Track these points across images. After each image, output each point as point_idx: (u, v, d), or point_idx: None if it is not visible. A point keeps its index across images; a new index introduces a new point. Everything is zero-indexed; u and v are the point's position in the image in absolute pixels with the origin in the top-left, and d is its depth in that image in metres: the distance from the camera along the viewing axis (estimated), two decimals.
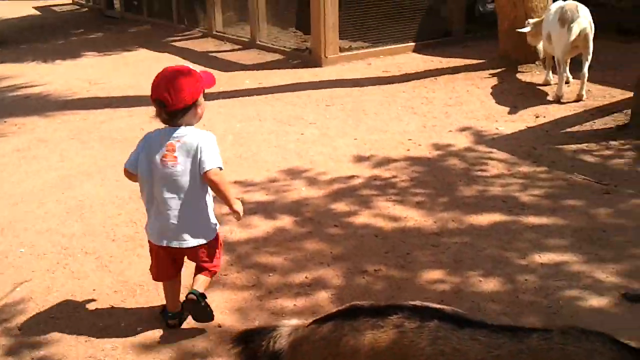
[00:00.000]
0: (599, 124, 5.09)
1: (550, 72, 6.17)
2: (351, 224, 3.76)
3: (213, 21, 10.56)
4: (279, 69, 7.98)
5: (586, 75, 5.58)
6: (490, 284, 3.01)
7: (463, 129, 5.25)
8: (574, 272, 3.05)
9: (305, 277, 3.21)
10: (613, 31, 7.68)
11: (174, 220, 2.72)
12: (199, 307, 2.72)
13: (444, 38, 8.71)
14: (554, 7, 5.82)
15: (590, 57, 5.57)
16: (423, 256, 3.32)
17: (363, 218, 3.81)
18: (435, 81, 6.73)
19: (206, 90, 2.75)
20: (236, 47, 9.69)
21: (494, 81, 6.48)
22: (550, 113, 5.44)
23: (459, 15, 8.75)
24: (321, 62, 7.93)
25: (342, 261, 3.34)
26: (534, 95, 5.94)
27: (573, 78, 5.93)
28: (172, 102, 2.62)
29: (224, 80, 7.55)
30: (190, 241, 2.76)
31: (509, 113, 5.53)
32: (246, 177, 4.57)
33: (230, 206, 2.77)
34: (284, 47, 8.91)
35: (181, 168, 2.69)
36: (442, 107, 5.84)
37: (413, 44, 8.50)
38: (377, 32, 8.43)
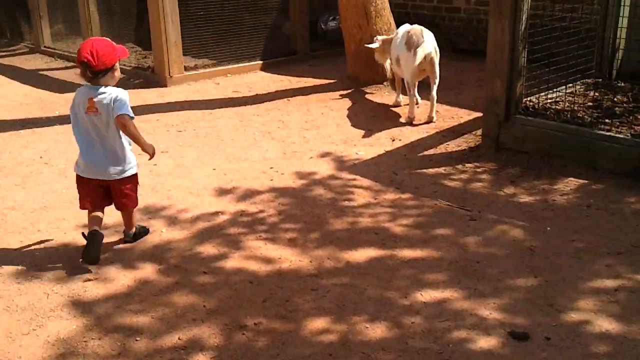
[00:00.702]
0: (452, 146, 5.24)
1: (400, 94, 6.30)
2: (222, 269, 3.48)
3: (40, 35, 9.70)
4: (139, 87, 7.47)
5: (435, 97, 5.75)
6: (377, 330, 2.90)
7: (323, 155, 5.17)
8: (457, 310, 3.03)
9: (179, 339, 2.90)
10: (449, 51, 8.07)
11: (98, 158, 3.46)
12: (136, 239, 3.76)
13: (290, 56, 8.66)
14: (400, 30, 5.95)
15: (437, 80, 5.74)
16: (304, 302, 3.14)
17: (234, 262, 3.56)
18: (288, 103, 6.61)
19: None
20: (69, 64, 8.96)
21: (346, 103, 6.50)
22: (405, 136, 5.52)
23: (303, 33, 8.74)
24: (166, 82, 7.53)
25: (218, 315, 3.06)
26: (386, 118, 6.02)
27: (422, 99, 6.08)
28: (95, 64, 3.32)
29: (58, 104, 6.91)
30: (113, 175, 3.49)
31: (366, 136, 5.54)
32: None
33: (141, 146, 3.55)
34: (124, 65, 8.34)
35: (101, 117, 3.40)
36: (300, 131, 5.72)
37: (260, 62, 8.36)
38: (222, 49, 8.18)
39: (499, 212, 4.06)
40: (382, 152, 5.18)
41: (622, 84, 5.85)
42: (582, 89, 5.67)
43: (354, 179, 4.67)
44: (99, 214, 3.59)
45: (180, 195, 4.46)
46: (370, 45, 6.27)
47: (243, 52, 8.28)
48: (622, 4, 5.62)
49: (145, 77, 7.84)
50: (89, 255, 3.40)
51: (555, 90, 5.39)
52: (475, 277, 3.32)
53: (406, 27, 5.98)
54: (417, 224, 3.95)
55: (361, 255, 3.58)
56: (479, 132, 5.47)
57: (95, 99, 3.38)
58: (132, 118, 3.47)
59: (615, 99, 5.37)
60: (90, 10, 8.58)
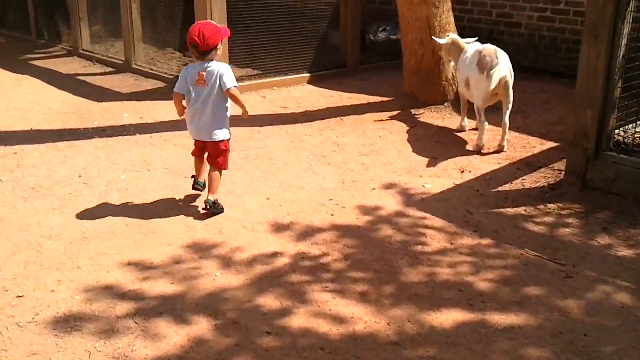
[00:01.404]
0: (529, 181, 4.74)
1: (466, 117, 5.81)
2: (287, 329, 3.03)
3: (80, 37, 9.36)
4: (161, 99, 7.07)
5: (507, 124, 5.25)
6: None
7: (387, 186, 4.70)
8: None
9: None
10: None
11: (204, 122, 4.15)
12: (212, 211, 4.17)
13: (339, 69, 8.21)
14: (470, 49, 5.46)
15: (511, 106, 5.25)
16: None
17: (301, 319, 3.10)
18: (342, 123, 6.15)
19: None
20: (108, 69, 8.61)
21: (405, 125, 6.02)
22: (474, 166, 5.03)
23: (353, 45, 8.28)
24: None
25: None
26: (451, 144, 5.53)
27: (490, 124, 5.58)
28: (202, 45, 3.96)
29: (98, 113, 6.54)
30: (214, 137, 4.18)
31: (431, 166, 5.06)
32: (142, 256, 3.70)
33: (243, 108, 4.25)
34: (165, 72, 7.97)
35: (209, 88, 4.06)
36: (357, 157, 5.26)
37: (308, 75, 7.92)
38: (270, 60, 7.76)
39: (597, 269, 3.55)
40: (452, 186, 4.69)
41: None
42: None
43: (425, 218, 4.19)
44: (202, 164, 4.42)
45: (234, 230, 4.02)
46: (439, 40, 5.78)
47: (291, 64, 7.84)
48: None
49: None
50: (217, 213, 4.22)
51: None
52: (588, 355, 2.82)
53: (476, 45, 5.49)
54: (505, 279, 3.46)
55: (447, 318, 3.10)
56: (557, 165, 4.98)
57: (204, 73, 4.05)
58: (237, 87, 4.14)
59: None
60: (132, 14, 8.21)
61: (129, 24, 8.25)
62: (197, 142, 4.31)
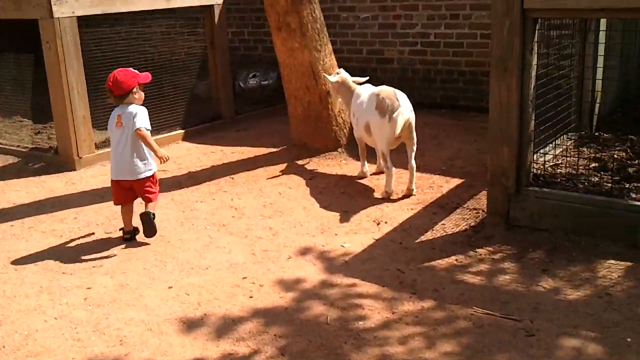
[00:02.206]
0: (450, 225, 4.44)
1: (366, 162, 5.47)
2: None
3: None
4: (16, 177, 6.15)
5: (414, 167, 4.96)
6: None
7: (303, 252, 4.20)
8: None
9: None
10: None
11: (123, 162, 4.33)
12: (149, 219, 4.38)
13: (214, 122, 7.65)
14: (364, 91, 5.15)
15: (415, 147, 4.97)
16: None
17: None
18: (234, 182, 5.59)
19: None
20: None
21: (303, 177, 5.58)
22: (388, 216, 4.67)
23: (226, 95, 7.78)
24: (74, 165, 6.30)
25: None
26: (357, 193, 5.15)
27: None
28: (114, 90, 4.27)
29: None
30: (138, 175, 4.35)
31: (344, 221, 4.64)
32: None
33: (155, 152, 4.34)
34: (17, 145, 7.00)
35: (125, 130, 4.27)
36: (261, 221, 4.73)
37: (182, 131, 7.30)
38: None
39: (555, 320, 3.26)
40: (372, 242, 4.29)
41: (606, 135, 5.36)
42: (571, 145, 5.10)
43: (355, 285, 3.74)
44: (128, 207, 4.53)
45: (137, 336, 3.32)
46: (329, 78, 5.42)
47: (161, 121, 7.17)
48: (598, 54, 5.15)
49: (47, 159, 6.54)
50: (148, 232, 4.43)
51: (545, 147, 4.76)
52: None
53: (369, 87, 5.19)
54: (466, 348, 3.06)
55: None
56: (470, 204, 4.76)
57: (121, 114, 4.29)
58: (149, 130, 4.32)
59: (616, 155, 4.82)
60: None
61: None
62: (119, 185, 4.42)
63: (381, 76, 8.17)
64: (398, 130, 4.69)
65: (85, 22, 6.59)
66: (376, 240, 4.31)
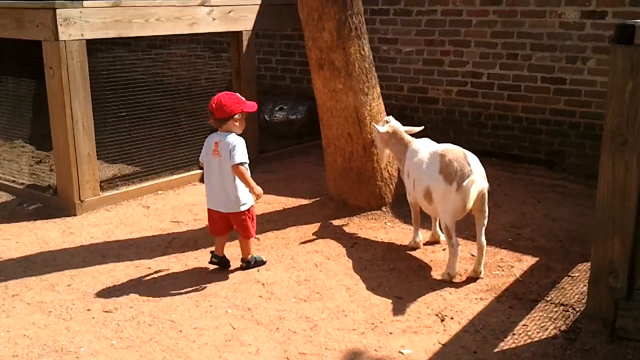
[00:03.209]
0: (534, 328, 3.54)
1: (420, 231, 4.59)
2: None
3: None
4: (7, 221, 5.35)
5: (484, 246, 4.06)
6: None
7: (351, 357, 3.30)
8: None
9: None
10: None
11: (217, 194, 4.15)
12: (249, 266, 4.31)
13: None
14: (423, 148, 4.28)
15: (486, 222, 4.08)
16: None
17: None
18: (260, 245, 4.72)
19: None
20: None
21: (342, 243, 4.69)
22: (454, 308, 3.77)
23: (252, 132, 6.92)
24: (75, 209, 5.46)
25: None
26: (410, 270, 4.26)
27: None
28: (216, 112, 4.06)
29: None
30: (231, 208, 4.15)
31: (398, 312, 3.74)
32: None
33: (251, 189, 4.14)
34: (13, 179, 6.16)
35: (222, 159, 4.07)
36: (296, 305, 3.84)
37: (200, 171, 6.43)
38: (149, 157, 6.21)
39: None
40: (439, 348, 3.39)
41: None
42: None
43: None
44: (221, 238, 4.30)
45: None
46: (379, 128, 4.57)
47: (177, 160, 6.34)
48: None
49: (45, 200, 5.70)
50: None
51: None
52: None
53: (429, 143, 4.33)
54: None
55: None
56: (554, 296, 3.85)
57: (219, 142, 4.06)
58: (245, 163, 4.08)
59: None
60: None
61: None
62: (212, 214, 4.22)
63: (424, 117, 7.32)
64: (470, 204, 3.80)
65: (95, 46, 5.81)
66: (443, 345, 3.41)
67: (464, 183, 3.83)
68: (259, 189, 4.12)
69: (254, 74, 6.94)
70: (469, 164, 3.91)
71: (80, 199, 5.48)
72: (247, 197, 4.16)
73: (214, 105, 4.04)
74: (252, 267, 4.29)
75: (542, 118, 6.61)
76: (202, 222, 5.22)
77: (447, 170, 3.93)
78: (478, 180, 3.84)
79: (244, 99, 4.14)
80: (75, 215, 5.43)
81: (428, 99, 7.31)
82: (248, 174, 4.07)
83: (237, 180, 4.09)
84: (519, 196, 5.71)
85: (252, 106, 4.16)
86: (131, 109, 6.03)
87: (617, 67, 3.06)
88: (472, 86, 7.00)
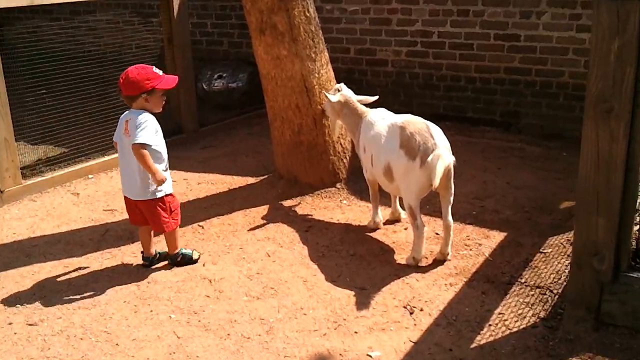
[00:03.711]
0: (511, 316, 3.24)
1: (379, 210, 4.22)
2: None
3: None
4: None
5: (451, 225, 3.72)
6: None
7: None
8: None
9: None
10: None
11: (129, 177, 3.64)
12: (177, 263, 3.81)
13: (174, 137, 6.25)
14: (379, 120, 3.88)
15: (452, 199, 3.73)
16: None
17: None
18: (204, 233, 4.27)
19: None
20: None
21: (295, 227, 4.29)
22: (422, 297, 3.43)
23: (189, 105, 6.38)
24: None
25: None
26: (372, 255, 3.89)
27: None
28: (123, 90, 3.55)
29: None
30: (140, 195, 3.63)
31: (362, 305, 3.38)
32: None
33: (152, 175, 3.54)
34: None
35: (131, 139, 3.51)
36: (248, 304, 3.43)
37: None
38: (76, 138, 5.62)
39: None
40: (410, 347, 3.04)
41: None
42: None
43: None
44: (145, 233, 3.81)
45: None
46: (329, 97, 4.15)
47: (108, 139, 5.73)
48: None
49: None
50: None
51: None
52: None
53: (386, 114, 3.93)
54: None
55: None
56: (528, 277, 3.56)
57: (129, 121, 3.54)
58: (148, 146, 3.51)
59: None
60: None
61: None
62: (126, 202, 3.75)
63: (372, 80, 6.91)
64: (437, 181, 3.43)
65: (13, 14, 5.13)
66: (414, 343, 3.07)
67: (429, 158, 3.46)
68: (160, 175, 3.57)
69: (188, 40, 6.36)
70: (432, 136, 3.53)
71: (0, 190, 4.88)
72: (165, 183, 3.66)
73: (121, 81, 3.52)
74: (181, 265, 3.82)
75: (496, 78, 6.30)
76: None
77: (408, 145, 3.55)
78: (444, 154, 3.47)
79: (160, 72, 3.59)
80: None
81: (376, 61, 6.90)
82: (148, 157, 3.50)
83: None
84: (478, 163, 5.41)
85: (168, 82, 3.60)
86: (54, 84, 5.40)
87: (602, 24, 2.70)
88: (422, 46, 6.62)
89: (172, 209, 3.73)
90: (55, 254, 4.08)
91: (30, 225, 4.54)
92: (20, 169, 5.07)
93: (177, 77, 3.72)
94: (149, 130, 3.53)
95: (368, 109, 4.09)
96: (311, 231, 4.22)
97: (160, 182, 3.57)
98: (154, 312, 3.39)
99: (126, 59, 6.13)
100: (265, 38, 4.49)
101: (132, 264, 3.90)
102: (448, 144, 3.61)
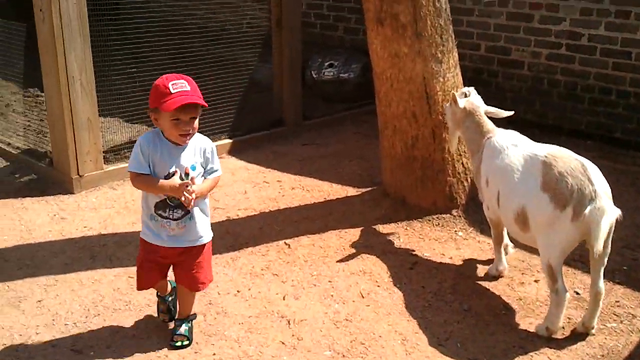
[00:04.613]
0: None
1: (503, 256, 3.41)
2: None
3: None
4: None
5: (602, 292, 2.87)
6: None
7: None
8: None
9: None
10: None
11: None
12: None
13: (273, 129, 5.67)
14: (510, 146, 3.07)
15: (606, 260, 2.87)
16: None
17: None
18: (289, 254, 3.63)
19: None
20: None
21: (397, 262, 3.56)
22: None
23: (293, 94, 5.75)
24: (72, 186, 4.47)
25: None
26: (492, 315, 3.10)
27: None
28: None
29: None
30: (185, 241, 2.77)
31: None
32: None
33: (174, 194, 2.66)
34: (8, 142, 5.19)
35: None
36: None
37: (229, 141, 5.35)
38: None
39: None
40: None
41: None
42: None
43: None
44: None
45: None
46: (459, 100, 3.34)
47: (201, 127, 5.18)
48: None
49: (40, 172, 4.73)
50: None
51: None
52: None
53: (518, 138, 3.11)
54: None
55: None
56: None
57: None
58: (139, 173, 2.67)
59: None
60: None
61: None
62: (155, 257, 2.79)
63: (504, 84, 6.01)
64: (599, 243, 2.59)
65: None
66: None
67: (586, 211, 2.62)
68: (171, 187, 2.62)
69: (299, 22, 5.71)
70: (590, 181, 2.68)
71: (78, 174, 4.48)
72: (143, 225, 2.81)
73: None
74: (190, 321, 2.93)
75: None
76: (225, 210, 4.18)
77: (556, 188, 2.72)
78: (608, 207, 2.62)
79: (178, 89, 2.59)
80: (72, 193, 4.45)
81: (510, 62, 5.98)
82: (147, 182, 2.66)
83: (146, 195, 2.75)
84: (628, 199, 4.43)
85: (173, 103, 2.56)
86: (145, 61, 4.91)
87: None
88: (567, 49, 5.63)
89: (140, 263, 2.85)
90: (122, 259, 3.59)
91: (104, 219, 4.10)
92: (103, 152, 4.64)
93: (190, 99, 2.61)
94: (136, 152, 2.69)
95: (495, 129, 3.28)
96: (417, 269, 3.47)
97: (190, 197, 2.60)
98: (216, 356, 2.79)
99: (231, 38, 5.59)
100: (384, 30, 3.75)
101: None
102: (609, 191, 2.75)
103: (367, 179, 4.66)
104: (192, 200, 2.60)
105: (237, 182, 4.70)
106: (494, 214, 3.22)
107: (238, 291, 3.28)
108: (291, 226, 3.95)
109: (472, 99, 3.39)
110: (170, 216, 2.70)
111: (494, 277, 3.39)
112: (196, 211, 2.74)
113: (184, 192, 2.59)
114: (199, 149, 2.76)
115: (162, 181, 2.64)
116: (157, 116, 2.66)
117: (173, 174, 2.65)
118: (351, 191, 4.48)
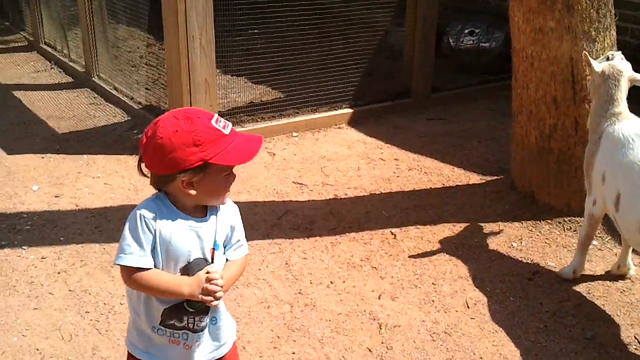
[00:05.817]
0: None
1: (630, 259, 2.89)
2: None
3: (39, 26, 6.71)
4: (104, 152, 4.42)
5: None
6: None
7: None
8: None
9: None
10: None
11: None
12: None
13: (397, 100, 5.29)
14: (635, 140, 2.56)
15: None
16: None
17: None
18: (394, 246, 3.31)
19: None
20: (65, 79, 5.98)
21: (517, 268, 3.12)
22: None
23: (425, 64, 5.30)
24: None
25: None
26: (619, 348, 2.62)
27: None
28: (146, 162, 1.68)
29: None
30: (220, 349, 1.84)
31: None
32: None
33: (188, 295, 1.67)
34: (132, 96, 5.23)
35: None
36: None
37: (349, 110, 5.05)
38: (287, 86, 4.93)
39: None
40: None
41: None
42: None
43: None
44: None
45: None
46: (594, 64, 2.84)
47: (322, 93, 4.97)
48: None
49: None
50: None
51: None
52: None
53: None
54: None
55: None
56: None
57: None
58: (138, 268, 1.62)
59: None
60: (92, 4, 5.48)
61: (87, 16, 5.51)
62: None
63: None
64: None
65: None
66: None
67: None
68: (183, 285, 1.63)
69: None
70: None
71: None
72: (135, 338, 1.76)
73: (142, 150, 1.66)
74: None
75: None
76: (332, 190, 3.92)
77: None
78: None
79: (220, 124, 1.63)
80: None
81: None
82: (150, 278, 1.63)
83: (146, 298, 1.70)
84: None
85: (239, 153, 1.64)
86: (267, 25, 4.70)
87: None
88: None
89: None
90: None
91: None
92: (219, 113, 4.51)
93: (253, 138, 1.69)
94: (126, 235, 1.66)
95: (626, 113, 2.74)
96: (536, 281, 3.02)
97: (218, 297, 1.64)
98: (295, 355, 2.56)
99: (358, 8, 5.22)
100: (528, 1, 3.24)
101: (294, 267, 3.11)
102: None
103: (495, 166, 4.19)
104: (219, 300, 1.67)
105: (352, 156, 4.41)
106: (600, 211, 2.74)
107: (331, 282, 3.02)
108: (401, 213, 3.62)
109: (615, 62, 2.83)
110: (190, 326, 1.71)
111: (566, 279, 2.90)
112: (221, 307, 1.78)
113: (209, 289, 1.63)
114: (228, 217, 1.74)
115: (176, 278, 1.66)
116: (198, 176, 1.61)
117: (197, 265, 1.68)
118: (474, 178, 4.04)
